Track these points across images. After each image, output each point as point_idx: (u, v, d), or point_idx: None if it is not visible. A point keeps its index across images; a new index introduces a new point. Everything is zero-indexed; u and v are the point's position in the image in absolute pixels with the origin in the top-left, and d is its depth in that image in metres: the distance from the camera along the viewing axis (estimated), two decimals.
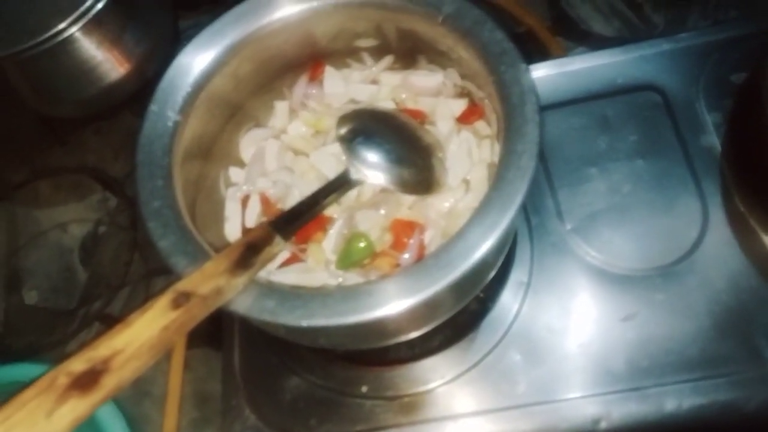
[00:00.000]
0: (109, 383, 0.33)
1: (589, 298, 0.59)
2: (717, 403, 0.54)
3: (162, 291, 0.38)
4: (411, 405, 0.58)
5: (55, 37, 0.75)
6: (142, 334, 0.35)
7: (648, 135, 0.65)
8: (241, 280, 0.40)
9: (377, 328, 0.46)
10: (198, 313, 0.38)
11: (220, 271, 0.39)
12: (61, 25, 0.75)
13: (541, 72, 0.70)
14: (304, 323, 0.39)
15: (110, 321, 0.85)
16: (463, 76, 0.54)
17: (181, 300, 0.37)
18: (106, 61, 0.84)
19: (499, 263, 0.53)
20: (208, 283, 0.38)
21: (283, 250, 0.44)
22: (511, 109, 0.44)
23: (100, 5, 0.76)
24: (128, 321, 0.36)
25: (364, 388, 0.59)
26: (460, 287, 0.44)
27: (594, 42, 0.90)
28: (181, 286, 0.38)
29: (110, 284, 0.87)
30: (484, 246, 0.40)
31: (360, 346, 0.52)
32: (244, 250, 0.41)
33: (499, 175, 0.42)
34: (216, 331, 0.68)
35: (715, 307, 0.57)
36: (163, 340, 0.36)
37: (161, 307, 0.37)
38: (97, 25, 0.79)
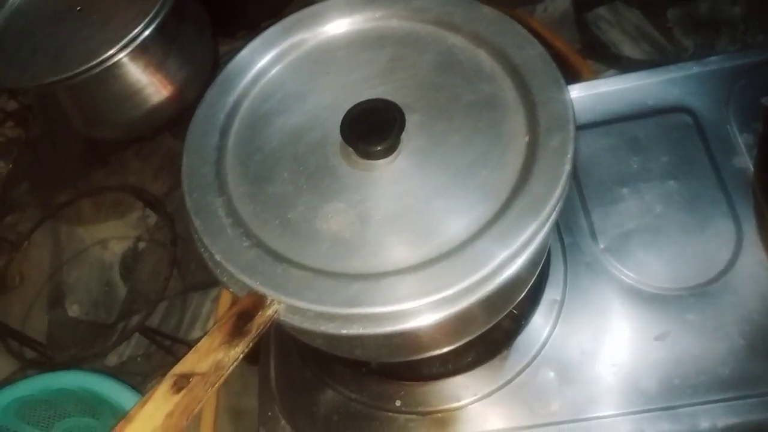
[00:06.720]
0: None
1: (621, 317, 0.60)
2: (751, 423, 0.54)
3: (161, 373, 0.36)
4: (444, 420, 0.59)
5: (103, 63, 0.79)
6: (147, 426, 0.35)
7: (679, 156, 0.66)
8: (239, 349, 0.39)
9: (412, 337, 0.48)
10: (201, 392, 0.37)
11: (215, 346, 0.38)
12: (110, 52, 0.79)
13: (572, 94, 0.71)
14: (343, 331, 0.40)
15: (150, 333, 0.87)
16: None
17: (182, 383, 0.36)
18: (150, 86, 0.88)
19: (532, 279, 0.54)
20: (206, 361, 0.38)
21: (278, 309, 0.41)
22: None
23: (146, 33, 0.80)
24: (129, 416, 0.35)
25: (398, 403, 0.60)
26: (492, 301, 0.44)
27: (624, 65, 0.91)
28: (179, 369, 0.37)
29: (149, 299, 0.90)
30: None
31: (395, 358, 0.53)
32: (235, 321, 0.40)
33: None
34: (252, 346, 0.70)
35: (748, 327, 0.57)
36: (169, 427, 0.35)
37: (162, 394, 0.36)
38: (142, 51, 0.83)
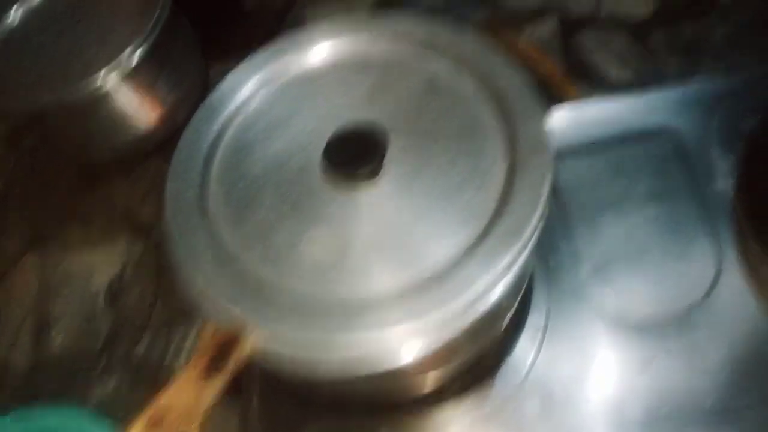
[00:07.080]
0: None
1: (605, 344, 0.59)
2: None
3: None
4: None
5: (94, 85, 0.78)
6: None
7: (662, 180, 0.66)
8: (217, 383, 0.39)
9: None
10: (178, 428, 0.37)
11: (191, 383, 0.38)
12: (100, 74, 0.78)
13: (556, 116, 0.72)
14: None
15: (134, 365, 0.86)
16: None
17: (156, 420, 0.36)
18: (140, 109, 0.88)
19: (515, 305, 0.54)
20: (181, 397, 0.38)
21: (258, 337, 0.41)
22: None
23: (136, 55, 0.80)
24: None
25: None
26: (475, 327, 0.44)
27: (609, 87, 0.92)
28: (155, 405, 0.37)
29: (134, 326, 0.88)
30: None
31: (377, 386, 0.53)
32: (212, 356, 0.40)
33: None
34: (234, 378, 0.69)
35: (733, 353, 0.57)
36: None
37: None
38: (134, 73, 0.82)
